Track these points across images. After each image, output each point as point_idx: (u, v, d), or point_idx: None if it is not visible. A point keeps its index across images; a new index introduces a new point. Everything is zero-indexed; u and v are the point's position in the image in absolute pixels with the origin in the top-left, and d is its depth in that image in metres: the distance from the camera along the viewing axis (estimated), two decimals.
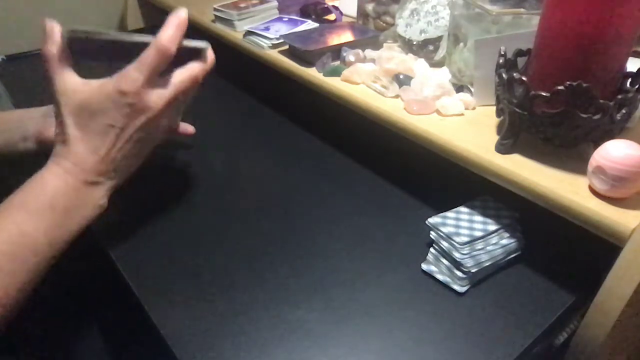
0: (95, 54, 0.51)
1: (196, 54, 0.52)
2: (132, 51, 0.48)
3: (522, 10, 0.58)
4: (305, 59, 0.75)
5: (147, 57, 0.48)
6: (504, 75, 0.51)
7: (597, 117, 0.46)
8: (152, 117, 0.49)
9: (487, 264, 0.51)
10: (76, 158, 0.49)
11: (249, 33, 0.85)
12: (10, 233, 0.45)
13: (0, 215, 0.46)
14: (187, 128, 0.67)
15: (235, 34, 0.87)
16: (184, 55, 0.50)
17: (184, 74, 0.51)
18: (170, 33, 0.48)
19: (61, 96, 0.49)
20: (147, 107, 0.49)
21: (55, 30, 0.49)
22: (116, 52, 0.49)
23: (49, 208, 0.47)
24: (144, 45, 0.48)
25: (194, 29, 0.99)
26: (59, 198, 0.48)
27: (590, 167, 0.46)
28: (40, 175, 0.49)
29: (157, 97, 0.49)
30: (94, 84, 0.49)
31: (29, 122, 0.66)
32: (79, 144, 0.49)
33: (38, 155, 0.67)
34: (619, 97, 0.47)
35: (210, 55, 0.54)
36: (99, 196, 0.51)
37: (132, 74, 0.48)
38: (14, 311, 0.45)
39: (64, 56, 0.49)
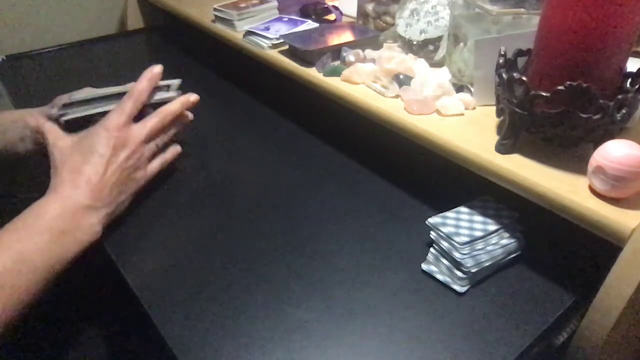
0: (85, 124, 0.63)
1: (169, 101, 0.65)
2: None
3: (522, 10, 0.58)
4: (305, 59, 0.75)
5: (125, 103, 0.60)
6: (504, 75, 0.51)
7: (597, 117, 0.46)
8: (134, 148, 0.59)
9: (487, 264, 0.51)
10: (72, 186, 0.55)
11: (249, 33, 0.85)
12: (11, 251, 0.49)
13: (2, 235, 0.50)
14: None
15: (235, 34, 0.88)
16: (159, 105, 0.64)
17: (156, 115, 0.63)
18: (142, 84, 0.62)
19: (54, 148, 0.58)
20: (128, 140, 0.59)
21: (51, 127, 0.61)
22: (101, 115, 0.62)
23: (47, 230, 0.51)
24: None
25: (194, 29, 0.99)
26: (56, 221, 0.52)
27: (590, 167, 0.46)
28: (40, 202, 0.54)
29: (136, 132, 0.60)
30: (81, 133, 0.60)
31: (27, 123, 0.66)
32: (74, 178, 0.55)
33: (36, 157, 0.68)
34: (619, 97, 0.47)
35: (180, 98, 0.65)
36: (94, 222, 0.55)
37: (114, 116, 0.59)
38: (12, 327, 0.47)
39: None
